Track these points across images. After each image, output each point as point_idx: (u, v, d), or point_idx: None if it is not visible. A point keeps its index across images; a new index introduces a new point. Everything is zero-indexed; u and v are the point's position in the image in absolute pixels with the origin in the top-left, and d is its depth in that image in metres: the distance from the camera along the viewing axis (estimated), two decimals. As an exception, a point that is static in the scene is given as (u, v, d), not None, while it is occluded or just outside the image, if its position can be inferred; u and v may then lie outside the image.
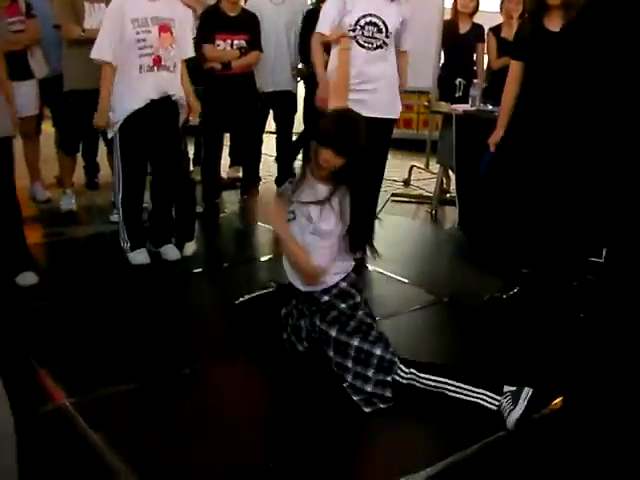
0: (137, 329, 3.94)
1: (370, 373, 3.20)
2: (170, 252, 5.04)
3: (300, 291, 3.43)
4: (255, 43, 5.96)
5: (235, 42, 5.86)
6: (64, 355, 3.59)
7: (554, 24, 4.12)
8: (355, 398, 3.18)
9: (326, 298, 3.34)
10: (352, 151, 3.16)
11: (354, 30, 4.65)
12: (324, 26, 4.76)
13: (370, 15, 4.62)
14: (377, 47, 4.69)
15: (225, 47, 5.87)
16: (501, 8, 7.07)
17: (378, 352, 3.22)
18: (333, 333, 3.28)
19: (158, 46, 4.66)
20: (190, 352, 3.70)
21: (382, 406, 3.17)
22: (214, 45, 5.85)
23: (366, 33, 4.63)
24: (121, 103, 4.70)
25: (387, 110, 4.86)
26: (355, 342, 3.24)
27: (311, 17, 5.85)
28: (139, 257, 4.94)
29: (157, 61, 4.68)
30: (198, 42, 5.83)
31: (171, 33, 4.71)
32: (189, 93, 5.00)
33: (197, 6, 6.25)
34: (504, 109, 4.53)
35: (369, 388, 3.18)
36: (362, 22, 4.65)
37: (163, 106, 4.78)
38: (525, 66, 4.30)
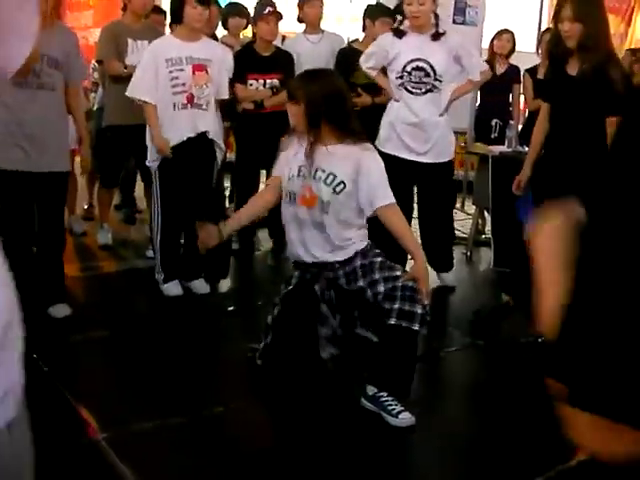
0: (170, 365, 3.94)
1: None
2: (199, 286, 5.06)
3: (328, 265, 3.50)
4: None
5: (268, 81, 5.87)
6: (98, 389, 3.60)
7: (573, 68, 4.17)
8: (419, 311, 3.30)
9: (361, 262, 3.44)
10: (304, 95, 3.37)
11: (401, 77, 4.69)
12: (368, 65, 4.97)
13: (416, 60, 4.64)
14: (426, 91, 4.72)
15: (257, 87, 5.88)
16: (538, 49, 7.10)
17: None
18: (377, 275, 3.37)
19: (191, 84, 4.75)
20: (223, 390, 3.69)
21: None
22: (246, 85, 5.89)
23: (414, 79, 4.66)
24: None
25: (440, 154, 4.89)
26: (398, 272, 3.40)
27: (341, 59, 5.93)
28: (173, 289, 4.97)
29: (190, 99, 4.76)
30: (231, 82, 5.89)
31: (207, 72, 4.79)
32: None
33: (236, 44, 6.35)
34: (531, 149, 4.62)
35: (419, 310, 3.30)
36: (409, 68, 4.69)
37: (199, 144, 4.86)
38: (551, 108, 4.37)
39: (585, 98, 4.06)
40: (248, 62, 5.89)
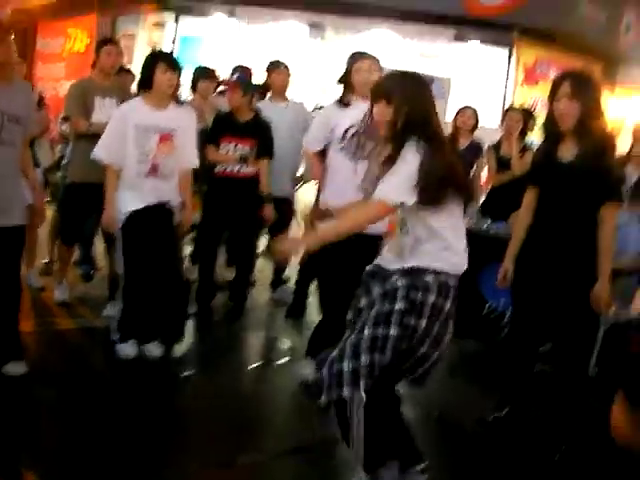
0: (121, 429, 3.87)
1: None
2: (153, 349, 4.99)
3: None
4: (263, 149, 5.98)
5: (239, 146, 5.92)
6: (45, 451, 3.53)
7: (567, 152, 3.98)
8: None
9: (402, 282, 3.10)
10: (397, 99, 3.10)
11: (342, 142, 4.69)
12: (314, 146, 4.85)
13: (354, 126, 4.64)
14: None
15: (228, 150, 5.93)
16: (502, 125, 7.23)
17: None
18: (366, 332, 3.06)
19: (157, 153, 4.80)
20: (175, 454, 3.64)
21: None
22: (218, 148, 5.93)
23: (354, 144, 4.64)
24: (122, 202, 4.81)
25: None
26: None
27: None
28: (127, 349, 4.92)
29: (155, 168, 4.81)
30: (205, 142, 5.93)
31: (172, 142, 4.85)
32: (187, 202, 5.10)
33: (204, 107, 6.40)
34: (514, 239, 4.31)
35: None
36: (348, 134, 4.71)
37: (159, 212, 4.88)
38: (539, 195, 4.15)
39: (580, 185, 3.88)
40: (224, 125, 5.98)
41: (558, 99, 3.89)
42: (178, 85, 4.93)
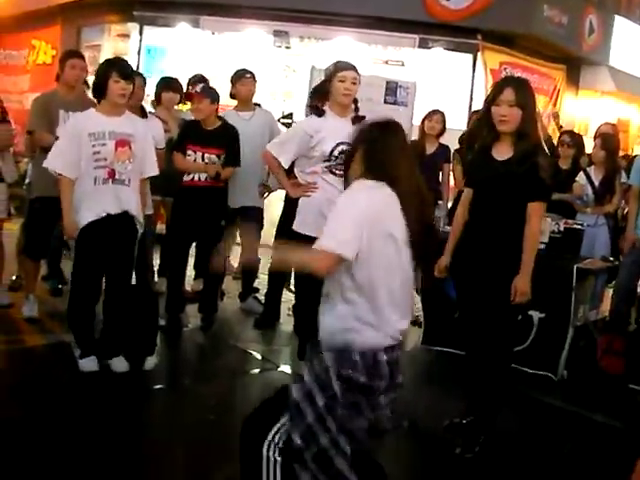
0: (91, 446, 3.83)
1: None
2: (118, 364, 4.95)
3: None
4: (230, 158, 5.96)
5: (206, 155, 5.90)
6: (14, 470, 3.50)
7: (502, 152, 4.14)
8: None
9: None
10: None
11: (329, 160, 4.73)
12: (283, 157, 4.88)
13: (342, 143, 4.65)
14: None
15: (195, 158, 5.90)
16: (467, 128, 7.27)
17: None
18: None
19: (113, 159, 4.74)
20: (144, 472, 3.61)
21: None
22: (185, 155, 5.90)
23: (340, 161, 4.65)
24: (78, 213, 4.78)
25: None
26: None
27: None
28: (88, 364, 4.90)
29: (111, 174, 4.76)
30: (171, 150, 5.91)
31: (130, 148, 4.80)
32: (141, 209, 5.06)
33: (168, 118, 6.38)
34: (451, 235, 4.47)
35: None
36: (336, 152, 4.73)
37: (119, 221, 4.84)
38: (474, 193, 4.31)
39: (512, 183, 4.03)
40: (191, 133, 5.96)
41: (499, 104, 4.04)
42: (140, 94, 4.89)
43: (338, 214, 2.88)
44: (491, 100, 4.10)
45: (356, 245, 2.78)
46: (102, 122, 4.76)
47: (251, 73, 6.54)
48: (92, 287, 4.90)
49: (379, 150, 2.98)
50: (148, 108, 6.53)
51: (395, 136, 3.05)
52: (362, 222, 2.80)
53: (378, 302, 2.85)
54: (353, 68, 4.85)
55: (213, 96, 5.91)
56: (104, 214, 4.76)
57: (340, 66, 4.86)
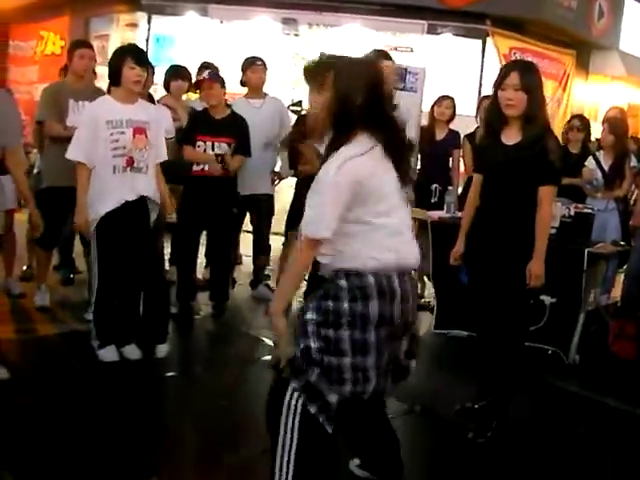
0: (105, 433, 3.85)
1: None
2: (131, 352, 4.96)
3: None
4: (241, 147, 5.96)
5: (216, 144, 5.90)
6: (27, 459, 3.51)
7: (510, 137, 4.12)
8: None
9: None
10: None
11: None
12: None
13: None
14: None
15: (205, 148, 5.91)
16: (477, 114, 7.24)
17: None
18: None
19: (132, 147, 4.74)
20: (156, 460, 3.62)
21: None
22: (194, 146, 5.90)
23: None
24: (97, 202, 4.76)
25: None
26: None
27: (300, 124, 5.92)
28: (108, 354, 4.89)
29: (130, 162, 4.76)
30: (180, 142, 5.91)
31: (146, 136, 4.80)
32: (164, 193, 5.07)
33: (177, 107, 6.38)
34: (463, 222, 4.49)
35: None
36: None
37: (138, 207, 4.84)
38: (484, 179, 4.31)
39: (522, 168, 4.02)
40: (200, 123, 5.96)
41: (505, 88, 4.01)
42: (149, 81, 4.87)
43: (319, 197, 2.78)
44: (498, 84, 4.08)
45: (335, 223, 2.75)
46: (119, 110, 4.75)
47: (262, 60, 6.54)
48: (116, 275, 4.88)
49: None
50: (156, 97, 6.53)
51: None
52: (343, 201, 2.74)
53: (377, 233, 2.83)
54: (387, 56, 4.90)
55: (222, 81, 5.92)
56: (123, 202, 4.76)
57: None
